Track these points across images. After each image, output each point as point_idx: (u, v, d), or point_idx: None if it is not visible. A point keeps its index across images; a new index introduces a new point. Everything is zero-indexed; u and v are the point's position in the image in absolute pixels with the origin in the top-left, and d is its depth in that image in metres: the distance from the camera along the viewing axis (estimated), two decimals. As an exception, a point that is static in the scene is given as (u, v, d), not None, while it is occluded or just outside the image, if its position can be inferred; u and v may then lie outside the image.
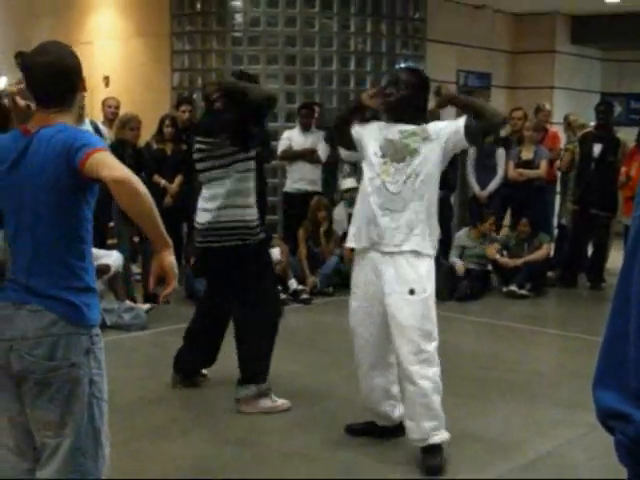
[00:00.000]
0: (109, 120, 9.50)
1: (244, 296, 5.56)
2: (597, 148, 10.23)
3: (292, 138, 10.23)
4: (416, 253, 4.64)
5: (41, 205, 3.00)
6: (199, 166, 5.64)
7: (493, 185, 10.58)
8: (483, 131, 4.77)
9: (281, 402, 5.55)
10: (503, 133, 10.81)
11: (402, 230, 4.65)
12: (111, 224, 8.67)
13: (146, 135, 9.33)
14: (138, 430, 5.21)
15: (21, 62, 3.14)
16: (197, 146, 5.67)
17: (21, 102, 4.30)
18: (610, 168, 10.10)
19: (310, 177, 10.22)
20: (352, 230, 4.88)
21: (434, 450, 4.67)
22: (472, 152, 10.71)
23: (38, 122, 3.09)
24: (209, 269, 5.85)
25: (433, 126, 4.74)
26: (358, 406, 5.31)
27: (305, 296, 9.14)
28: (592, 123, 10.82)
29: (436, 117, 5.18)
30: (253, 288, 5.54)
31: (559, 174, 11.12)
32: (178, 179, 9.13)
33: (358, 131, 4.88)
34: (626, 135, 10.62)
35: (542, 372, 6.77)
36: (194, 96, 10.92)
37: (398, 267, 4.64)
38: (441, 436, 4.66)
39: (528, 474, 4.72)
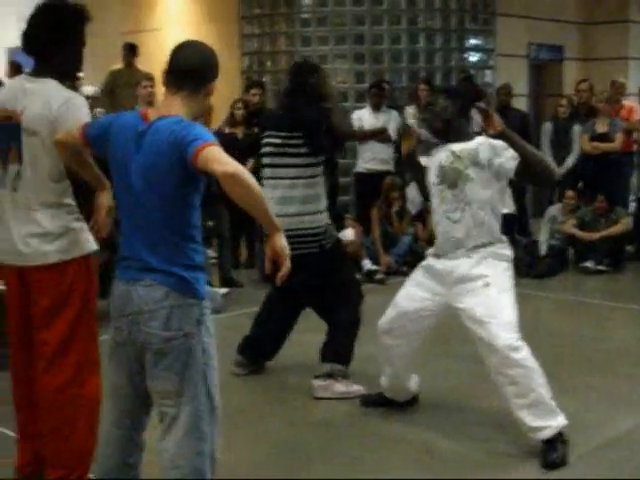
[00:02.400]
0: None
1: (330, 288, 5.60)
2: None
3: (363, 118, 10.18)
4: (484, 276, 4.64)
5: (154, 191, 3.17)
6: (267, 161, 5.62)
7: (570, 162, 10.43)
8: (531, 184, 4.67)
9: (356, 388, 5.54)
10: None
11: (466, 255, 4.66)
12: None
13: (217, 120, 9.38)
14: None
15: (175, 46, 3.36)
16: (268, 140, 5.61)
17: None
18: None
19: (382, 156, 10.17)
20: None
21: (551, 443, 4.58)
22: (548, 128, 10.58)
23: (159, 110, 3.28)
24: (291, 276, 5.79)
25: (484, 151, 4.58)
26: (436, 388, 5.31)
27: (379, 276, 9.12)
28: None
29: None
30: (338, 279, 5.60)
31: (635, 147, 10.91)
32: (250, 163, 9.16)
33: (425, 163, 4.93)
34: None
35: (622, 349, 6.66)
36: (264, 79, 10.95)
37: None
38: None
39: (607, 453, 4.66)
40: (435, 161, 4.80)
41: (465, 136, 4.72)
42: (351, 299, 5.65)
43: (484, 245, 4.66)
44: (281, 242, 3.22)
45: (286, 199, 5.47)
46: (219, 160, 3.01)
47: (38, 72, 3.84)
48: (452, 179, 4.67)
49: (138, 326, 3.23)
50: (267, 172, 5.62)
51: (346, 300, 5.62)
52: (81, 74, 8.53)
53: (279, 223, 3.22)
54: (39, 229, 3.80)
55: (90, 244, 3.93)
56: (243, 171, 3.03)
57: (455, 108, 4.73)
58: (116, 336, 3.32)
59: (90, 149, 3.53)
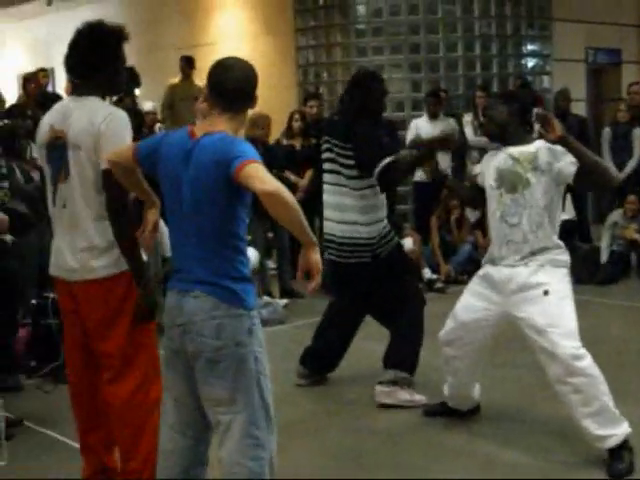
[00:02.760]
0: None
1: (389, 295, 5.60)
2: None
3: (420, 127, 10.17)
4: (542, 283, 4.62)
5: (203, 205, 3.26)
6: (327, 166, 5.62)
7: (630, 167, 10.31)
8: (590, 189, 4.62)
9: (419, 397, 5.52)
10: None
11: (523, 262, 4.63)
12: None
13: (275, 132, 9.44)
14: (280, 424, 5.27)
15: (212, 67, 3.42)
16: (327, 145, 5.60)
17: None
18: None
19: (441, 165, 10.11)
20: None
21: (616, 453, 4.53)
22: (607, 133, 10.47)
23: (205, 126, 3.37)
24: (344, 283, 5.80)
25: (544, 155, 4.57)
26: (496, 398, 5.28)
27: (439, 285, 9.12)
28: None
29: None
30: (397, 286, 5.59)
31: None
32: (309, 173, 9.20)
33: (480, 174, 4.91)
34: None
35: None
36: (320, 91, 11.00)
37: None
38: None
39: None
40: (492, 165, 4.78)
41: (523, 140, 4.70)
42: (411, 305, 5.64)
43: (541, 251, 4.62)
44: (316, 257, 3.30)
45: (342, 206, 5.48)
46: (260, 178, 3.11)
47: (82, 91, 3.95)
48: (511, 183, 4.64)
49: (190, 335, 3.29)
50: (326, 177, 5.63)
51: (406, 307, 5.61)
52: (137, 91, 8.61)
53: (313, 239, 3.30)
54: (86, 244, 3.86)
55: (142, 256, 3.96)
56: (282, 190, 3.11)
57: (511, 111, 4.71)
58: (171, 344, 3.40)
59: (141, 167, 3.59)
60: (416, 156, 5.39)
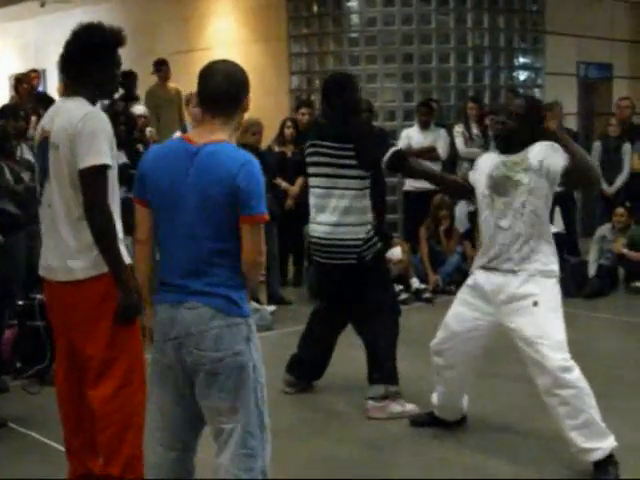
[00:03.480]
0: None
1: (366, 302, 5.59)
2: None
3: (411, 137, 10.20)
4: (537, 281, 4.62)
5: (200, 216, 3.23)
6: (314, 170, 5.60)
7: (620, 181, 10.35)
8: (577, 187, 4.62)
9: (410, 407, 5.52)
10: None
11: (512, 271, 4.63)
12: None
13: (267, 139, 9.43)
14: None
15: (199, 71, 3.38)
16: (315, 149, 5.58)
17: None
18: None
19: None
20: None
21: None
22: (597, 147, 10.51)
23: (202, 134, 3.33)
24: (329, 285, 5.83)
25: (533, 156, 4.60)
26: (484, 409, 5.26)
27: (427, 295, 9.12)
28: None
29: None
30: (375, 294, 5.58)
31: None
32: (299, 181, 9.19)
33: (472, 180, 4.91)
34: None
35: (674, 370, 6.59)
36: (312, 98, 11.00)
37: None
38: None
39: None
40: (485, 173, 4.76)
41: (521, 149, 4.66)
42: (387, 314, 5.61)
43: (532, 257, 4.60)
44: None
45: (330, 208, 5.47)
46: (256, 245, 3.24)
47: (72, 92, 3.93)
48: (503, 187, 4.64)
49: (187, 349, 3.25)
50: (314, 181, 5.62)
51: (382, 314, 5.58)
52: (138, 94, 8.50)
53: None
54: (64, 244, 3.84)
55: (123, 257, 3.88)
56: (262, 263, 3.30)
57: (529, 110, 4.69)
58: (163, 359, 3.34)
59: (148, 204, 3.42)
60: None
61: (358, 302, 5.63)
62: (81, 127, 3.72)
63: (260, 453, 3.32)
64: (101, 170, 3.72)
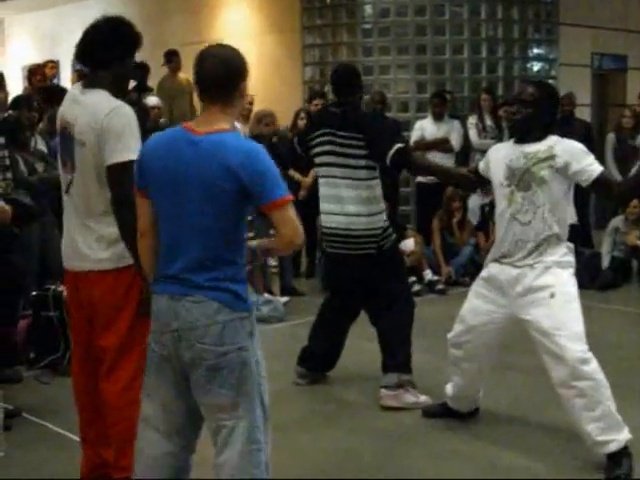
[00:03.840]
0: (243, 116, 9.63)
1: (382, 292, 5.58)
2: None
3: (424, 128, 10.18)
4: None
5: (204, 207, 3.14)
6: (326, 159, 5.57)
7: (634, 173, 10.29)
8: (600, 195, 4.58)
9: (423, 398, 5.51)
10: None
11: (529, 264, 4.61)
12: (249, 218, 8.80)
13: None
14: (279, 422, 5.27)
15: (197, 55, 3.30)
16: (326, 138, 5.54)
17: None
18: None
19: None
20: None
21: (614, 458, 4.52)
22: (611, 138, 10.47)
23: (203, 123, 3.23)
24: (345, 275, 5.81)
25: (562, 153, 4.51)
26: (497, 400, 5.24)
27: (440, 287, 9.11)
28: None
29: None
30: (391, 284, 5.57)
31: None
32: (312, 172, 9.17)
33: (484, 169, 4.87)
34: None
35: (688, 362, 6.56)
36: (326, 90, 10.98)
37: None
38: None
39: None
40: (502, 162, 4.70)
41: (541, 138, 4.62)
42: (403, 304, 5.62)
43: (549, 250, 4.59)
44: None
45: (345, 198, 5.45)
46: (289, 229, 3.16)
47: (91, 83, 3.89)
48: (525, 181, 4.59)
49: (188, 342, 3.17)
50: (325, 170, 5.59)
51: (397, 304, 5.59)
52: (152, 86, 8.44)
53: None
54: (93, 236, 3.86)
55: None
56: (301, 236, 3.20)
57: (541, 95, 4.65)
58: (161, 351, 3.26)
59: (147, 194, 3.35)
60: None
61: (373, 292, 5.63)
62: (107, 123, 3.71)
63: (264, 447, 3.29)
64: (128, 166, 3.67)
